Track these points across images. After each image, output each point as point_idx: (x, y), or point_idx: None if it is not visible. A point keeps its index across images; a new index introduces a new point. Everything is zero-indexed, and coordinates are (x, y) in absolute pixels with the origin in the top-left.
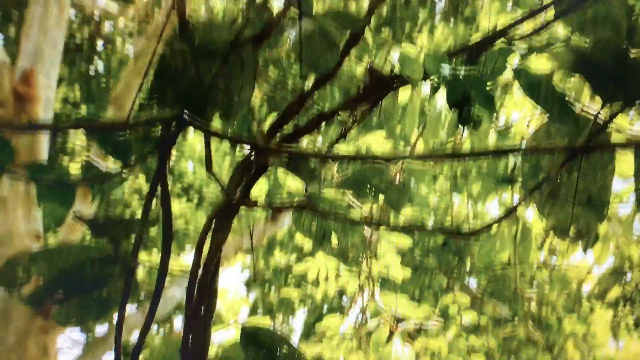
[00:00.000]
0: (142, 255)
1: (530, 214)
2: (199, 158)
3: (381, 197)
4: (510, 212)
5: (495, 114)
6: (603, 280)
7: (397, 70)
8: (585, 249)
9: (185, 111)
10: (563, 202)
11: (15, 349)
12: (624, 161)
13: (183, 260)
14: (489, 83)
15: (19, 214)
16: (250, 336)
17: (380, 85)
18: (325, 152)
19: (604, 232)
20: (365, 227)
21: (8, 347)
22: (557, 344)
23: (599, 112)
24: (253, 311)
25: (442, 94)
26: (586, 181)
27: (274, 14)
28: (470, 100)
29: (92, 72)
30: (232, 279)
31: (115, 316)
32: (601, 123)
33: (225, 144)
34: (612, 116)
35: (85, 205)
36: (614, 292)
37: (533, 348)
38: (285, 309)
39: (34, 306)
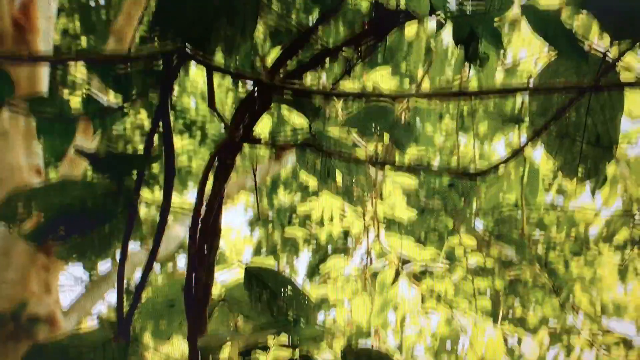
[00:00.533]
0: (145, 193)
1: (538, 155)
2: (202, 94)
3: (386, 136)
4: (517, 152)
5: (502, 51)
6: (611, 222)
7: (402, 5)
8: (593, 191)
9: (187, 45)
10: (571, 141)
11: (16, 285)
12: (633, 101)
13: (186, 198)
14: (496, 19)
15: (19, 148)
16: (254, 276)
17: (386, 20)
18: (330, 89)
19: (612, 174)
20: (370, 166)
21: (9, 284)
22: (564, 287)
23: (607, 50)
24: (257, 251)
25: (448, 30)
26: (594, 120)
27: None
28: (477, 36)
29: (92, 3)
30: (235, 219)
31: (118, 253)
32: (610, 61)
33: (228, 80)
34: (621, 54)
35: (86, 140)
36: (622, 235)
37: (540, 291)
38: (289, 249)
39: (35, 242)
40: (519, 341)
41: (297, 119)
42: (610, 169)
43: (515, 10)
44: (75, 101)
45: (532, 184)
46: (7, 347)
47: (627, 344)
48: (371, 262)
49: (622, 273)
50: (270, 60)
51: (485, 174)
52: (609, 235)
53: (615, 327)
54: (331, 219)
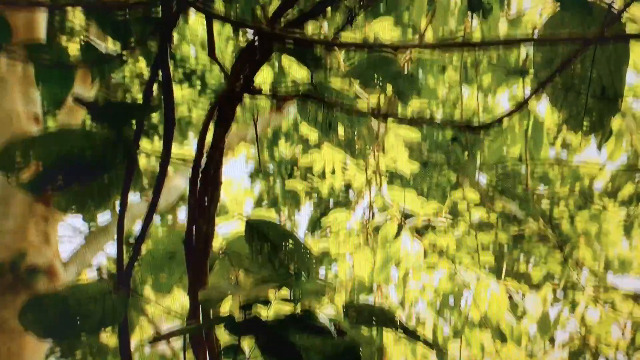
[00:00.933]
0: (145, 144)
1: (542, 108)
2: (202, 43)
3: (389, 87)
4: (521, 105)
5: (506, 2)
6: (616, 177)
7: None
8: (599, 145)
9: None
10: (576, 94)
11: (15, 235)
12: (639, 54)
13: (186, 149)
14: None
15: (16, 94)
16: (255, 229)
17: None
18: (332, 39)
19: (617, 128)
20: (373, 119)
21: (7, 234)
22: (569, 242)
23: (612, 1)
24: (258, 204)
25: None
26: (600, 72)
27: None
28: None
29: None
30: (236, 171)
31: (118, 205)
32: (615, 12)
33: (228, 29)
34: (627, 5)
35: (85, 89)
36: (627, 190)
37: (544, 246)
38: (291, 202)
39: (34, 192)
40: (523, 297)
41: (297, 72)
42: (616, 123)
43: None
44: (74, 48)
45: (536, 137)
46: (5, 298)
47: (633, 299)
48: (373, 216)
49: (627, 228)
50: (271, 8)
51: (489, 127)
52: (614, 190)
53: (621, 283)
54: (333, 172)
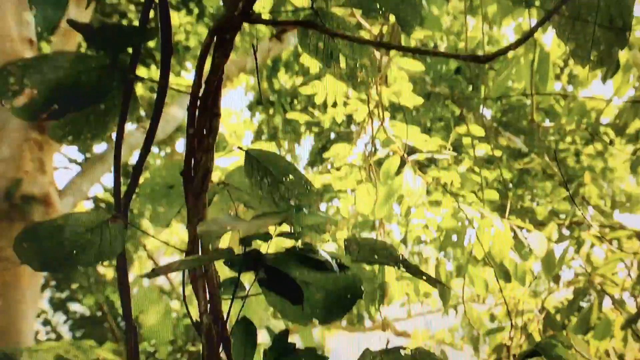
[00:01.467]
0: (141, 72)
1: (549, 40)
2: None
3: (392, 17)
4: (527, 36)
5: None
6: (623, 111)
7: None
8: (605, 78)
9: None
10: (583, 24)
11: (10, 163)
12: None
13: (184, 78)
14: None
15: (9, 17)
16: (255, 160)
17: None
18: None
19: (625, 62)
20: (375, 50)
21: (2, 161)
22: (574, 179)
23: None
24: (257, 136)
25: None
26: (607, 2)
27: None
28: None
29: None
30: (235, 102)
31: (114, 134)
32: None
33: None
34: None
35: (79, 12)
36: (634, 126)
37: (549, 183)
38: (291, 135)
39: (28, 119)
40: (527, 235)
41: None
42: (623, 57)
43: None
44: None
45: (542, 70)
46: (0, 227)
47: (639, 237)
48: (375, 151)
49: (634, 165)
50: None
51: (494, 58)
52: (621, 125)
53: (627, 221)
54: (334, 104)
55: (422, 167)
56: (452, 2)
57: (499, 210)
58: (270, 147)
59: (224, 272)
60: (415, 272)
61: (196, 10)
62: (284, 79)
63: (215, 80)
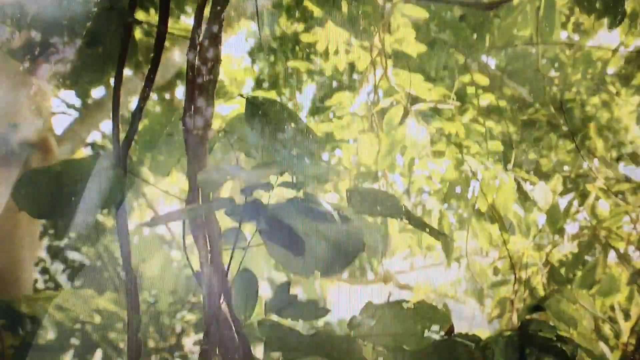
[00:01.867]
0: (140, 16)
1: None
2: None
3: None
4: None
5: None
6: (630, 61)
7: None
8: (611, 26)
9: None
10: None
11: (6, 108)
12: None
13: (184, 23)
14: None
15: None
16: (256, 108)
17: None
18: None
19: (631, 11)
20: None
21: None
22: (580, 130)
23: None
24: (258, 85)
25: None
26: None
27: None
28: None
29: None
30: (235, 49)
31: (112, 81)
32: None
33: None
34: None
35: None
36: None
37: (554, 134)
38: (292, 84)
39: (26, 60)
40: (531, 187)
41: None
42: (629, 6)
43: None
44: None
45: (549, 17)
46: None
47: None
48: (378, 100)
49: None
50: None
51: (499, 6)
52: (627, 75)
53: (632, 174)
54: (336, 52)
55: (426, 116)
56: None
57: (503, 162)
58: (271, 95)
59: (224, 222)
60: (419, 224)
61: None
62: (285, 25)
63: (216, 23)
